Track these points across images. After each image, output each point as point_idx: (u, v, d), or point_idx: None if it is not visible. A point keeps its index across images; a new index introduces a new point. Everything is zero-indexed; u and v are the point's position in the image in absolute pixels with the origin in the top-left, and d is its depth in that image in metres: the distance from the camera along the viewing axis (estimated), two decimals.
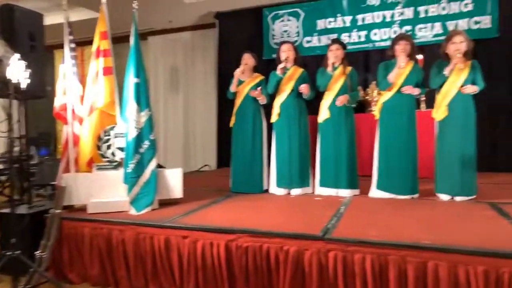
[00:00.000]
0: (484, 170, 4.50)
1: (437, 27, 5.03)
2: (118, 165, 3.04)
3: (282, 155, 3.54)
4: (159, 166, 3.21)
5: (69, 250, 2.65)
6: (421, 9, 5.11)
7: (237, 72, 3.64)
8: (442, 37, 3.27)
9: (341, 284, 1.99)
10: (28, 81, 2.63)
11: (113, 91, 3.19)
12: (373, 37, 5.32)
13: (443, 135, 3.10)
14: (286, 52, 3.54)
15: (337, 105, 3.39)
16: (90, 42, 3.42)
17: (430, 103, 3.30)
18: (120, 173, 2.93)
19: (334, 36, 5.26)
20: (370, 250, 1.95)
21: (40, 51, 3.36)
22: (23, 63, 2.50)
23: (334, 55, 3.42)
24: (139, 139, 2.92)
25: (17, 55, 2.49)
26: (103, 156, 3.10)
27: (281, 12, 5.85)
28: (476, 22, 4.86)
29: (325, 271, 2.04)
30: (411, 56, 3.22)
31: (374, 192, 3.30)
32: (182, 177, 3.09)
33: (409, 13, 5.16)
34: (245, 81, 3.71)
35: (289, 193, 3.53)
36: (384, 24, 5.28)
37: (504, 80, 4.81)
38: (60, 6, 3.30)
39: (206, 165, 6.17)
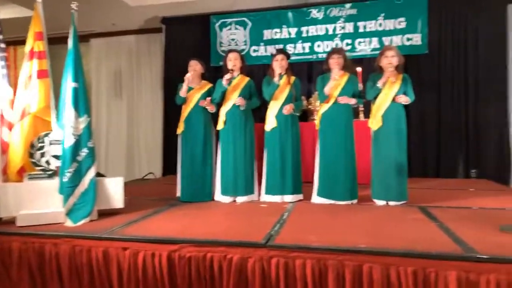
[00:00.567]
0: (415, 176, 4.89)
1: (375, 42, 5.37)
2: (53, 174, 2.87)
3: (227, 163, 3.55)
4: (99, 174, 3.07)
5: None
6: (360, 24, 5.43)
7: (188, 77, 3.59)
8: (379, 51, 3.50)
9: None
10: None
11: (49, 96, 3.02)
12: (316, 49, 5.54)
13: (377, 143, 3.30)
14: (232, 61, 3.58)
15: (284, 114, 3.48)
16: (23, 42, 3.20)
17: (368, 113, 3.51)
18: (55, 182, 2.76)
19: (280, 46, 5.41)
20: (310, 256, 2.02)
21: None
22: None
23: (279, 65, 3.52)
24: (76, 147, 2.78)
25: None
26: (36, 164, 2.90)
27: (229, 20, 5.89)
28: (408, 39, 5.25)
29: (267, 277, 2.07)
30: (345, 68, 3.40)
31: (315, 199, 3.42)
32: (123, 186, 2.98)
33: (349, 27, 5.46)
34: (194, 88, 3.68)
35: (234, 201, 3.54)
36: (326, 37, 5.53)
37: (433, 93, 5.24)
38: None
39: (150, 173, 5.99)
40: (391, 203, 3.25)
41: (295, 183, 3.51)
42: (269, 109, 3.59)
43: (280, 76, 3.50)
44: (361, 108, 4.77)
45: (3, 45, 3.05)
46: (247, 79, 3.66)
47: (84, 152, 2.80)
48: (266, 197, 3.54)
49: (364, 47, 5.40)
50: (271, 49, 5.57)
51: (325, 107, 3.42)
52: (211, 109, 3.63)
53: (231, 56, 3.61)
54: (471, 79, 5.14)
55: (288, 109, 3.47)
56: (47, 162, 2.91)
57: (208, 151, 3.65)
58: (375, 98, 3.33)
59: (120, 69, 6.61)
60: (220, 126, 3.61)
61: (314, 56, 5.56)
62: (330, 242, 2.13)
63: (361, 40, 5.42)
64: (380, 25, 5.36)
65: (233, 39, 5.89)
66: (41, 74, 3.00)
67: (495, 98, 5.06)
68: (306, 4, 5.61)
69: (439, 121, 5.26)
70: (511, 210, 2.98)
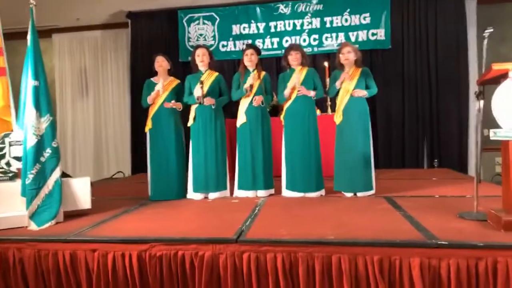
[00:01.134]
0: (381, 167, 5.05)
1: (341, 37, 5.47)
2: (14, 176, 2.76)
3: (198, 159, 3.53)
4: (65, 175, 2.98)
5: None
6: (327, 19, 5.51)
7: (159, 88, 3.52)
8: None
9: (255, 284, 2.05)
10: None
11: (7, 94, 2.90)
12: (285, 44, 5.59)
13: (341, 137, 3.40)
14: (200, 56, 3.56)
15: (254, 106, 3.50)
16: None
17: (335, 107, 3.59)
18: (16, 185, 2.66)
19: (249, 41, 5.41)
20: (281, 249, 2.05)
21: None
22: None
23: (249, 60, 3.53)
24: (39, 147, 2.67)
25: None
26: None
27: (196, 15, 5.84)
28: (373, 34, 5.39)
29: (239, 272, 2.08)
30: (303, 63, 3.48)
31: (285, 192, 3.47)
32: (90, 186, 2.91)
33: (316, 23, 5.54)
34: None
35: (206, 197, 3.53)
36: (294, 32, 5.59)
37: (397, 87, 5.42)
38: None
39: (119, 172, 5.86)
40: (359, 194, 3.34)
41: (266, 178, 3.54)
42: (240, 105, 3.60)
43: (250, 71, 3.52)
44: (329, 102, 4.87)
45: None
46: (215, 73, 3.64)
47: (47, 152, 2.70)
48: (239, 193, 3.55)
49: (331, 42, 5.50)
50: (240, 44, 5.57)
51: (289, 102, 3.49)
52: (179, 108, 3.60)
53: (199, 51, 3.59)
54: (433, 74, 5.36)
55: (257, 100, 3.50)
56: (8, 164, 2.79)
57: (177, 148, 3.60)
58: (337, 94, 3.44)
59: (85, 65, 6.40)
60: (190, 122, 3.58)
61: (283, 51, 5.58)
62: (300, 234, 2.17)
63: (328, 35, 5.51)
64: (346, 20, 5.47)
65: (201, 34, 5.84)
66: None
67: (456, 92, 5.30)
68: None
69: (403, 114, 5.45)
70: (469, 198, 3.14)
